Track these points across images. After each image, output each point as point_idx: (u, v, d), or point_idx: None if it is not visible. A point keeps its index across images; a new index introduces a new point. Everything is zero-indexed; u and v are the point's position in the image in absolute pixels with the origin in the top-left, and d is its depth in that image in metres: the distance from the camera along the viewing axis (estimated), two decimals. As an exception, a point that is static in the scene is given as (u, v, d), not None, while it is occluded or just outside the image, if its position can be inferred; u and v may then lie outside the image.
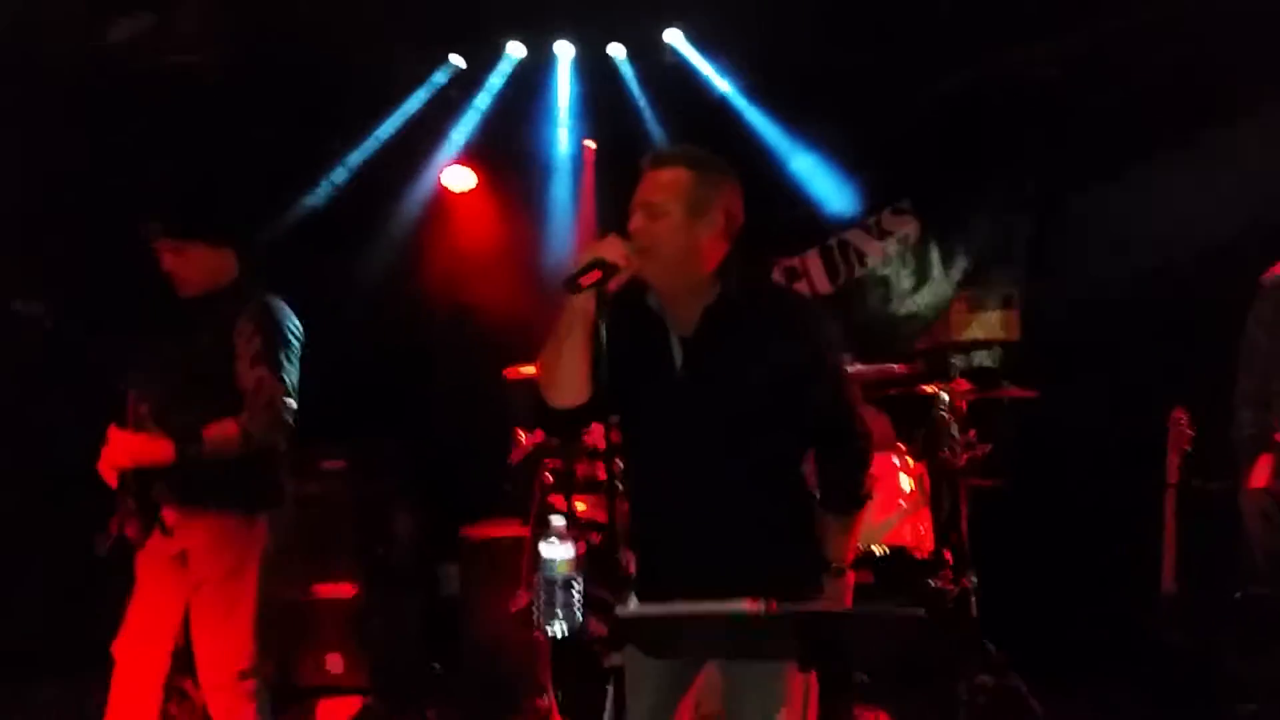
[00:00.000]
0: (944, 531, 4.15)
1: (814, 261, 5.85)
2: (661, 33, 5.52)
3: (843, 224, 5.74)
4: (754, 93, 5.54)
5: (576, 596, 2.17)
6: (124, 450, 3.25)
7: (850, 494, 2.56)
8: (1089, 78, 5.08)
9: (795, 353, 2.47)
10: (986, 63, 5.30)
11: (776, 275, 5.88)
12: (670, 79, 5.52)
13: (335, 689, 4.83)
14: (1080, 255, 5.17)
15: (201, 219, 3.49)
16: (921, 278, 5.64)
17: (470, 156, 5.80)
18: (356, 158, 5.63)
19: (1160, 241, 4.79)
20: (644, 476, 2.57)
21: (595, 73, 5.65)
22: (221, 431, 3.23)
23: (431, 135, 5.73)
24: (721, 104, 5.57)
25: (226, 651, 3.30)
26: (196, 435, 3.23)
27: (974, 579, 4.11)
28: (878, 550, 3.74)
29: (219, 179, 4.96)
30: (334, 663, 4.87)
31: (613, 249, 2.36)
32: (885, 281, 5.71)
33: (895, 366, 4.30)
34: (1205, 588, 3.96)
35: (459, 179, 5.83)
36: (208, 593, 3.30)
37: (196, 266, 3.44)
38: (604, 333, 2.32)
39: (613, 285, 2.36)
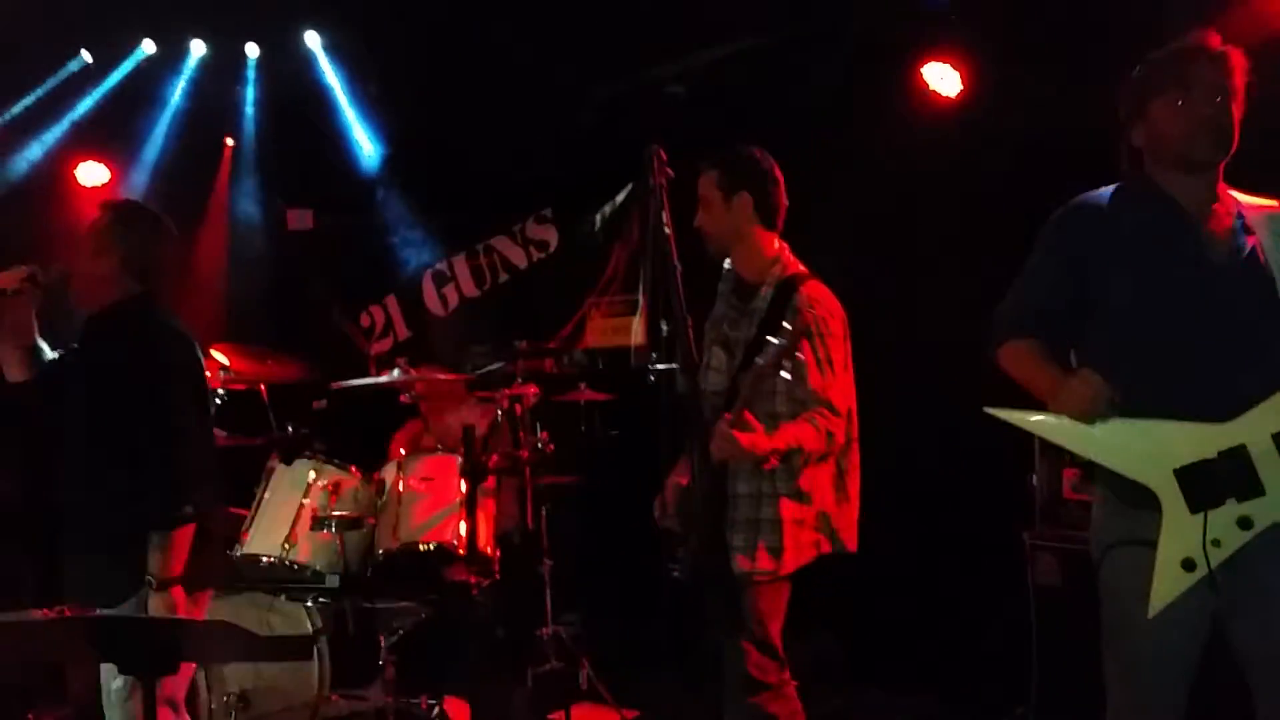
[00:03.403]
0: (519, 526, 4.34)
1: (461, 266, 6.00)
2: (301, 33, 5.55)
3: (489, 231, 5.90)
4: (386, 102, 5.62)
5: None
6: None
7: None
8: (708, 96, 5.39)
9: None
10: (625, 79, 5.55)
11: (427, 279, 6.07)
12: (299, 81, 5.53)
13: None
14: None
15: None
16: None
17: (103, 152, 5.65)
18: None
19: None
20: None
21: (231, 72, 5.61)
22: None
23: (60, 129, 5.54)
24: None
25: None
26: None
27: (548, 566, 4.34)
28: (420, 546, 3.87)
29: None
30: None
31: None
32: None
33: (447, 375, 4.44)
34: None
35: (92, 174, 5.66)
36: None
37: None
38: None
39: None
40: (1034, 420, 2.38)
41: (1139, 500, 2.28)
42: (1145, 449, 2.28)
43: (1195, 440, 2.26)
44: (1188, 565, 2.26)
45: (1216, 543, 2.24)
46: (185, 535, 2.76)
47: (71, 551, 2.89)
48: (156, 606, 2.66)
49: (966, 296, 4.39)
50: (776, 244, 3.14)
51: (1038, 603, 3.61)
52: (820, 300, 3.01)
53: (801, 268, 3.13)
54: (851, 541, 3.10)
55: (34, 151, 5.52)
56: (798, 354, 2.87)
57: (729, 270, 3.18)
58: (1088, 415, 2.30)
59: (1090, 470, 2.44)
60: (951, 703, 4.10)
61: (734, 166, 3.12)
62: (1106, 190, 2.48)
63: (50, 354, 3.06)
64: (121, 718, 2.73)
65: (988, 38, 4.24)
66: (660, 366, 2.72)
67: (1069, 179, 4.03)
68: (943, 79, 4.31)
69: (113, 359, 2.87)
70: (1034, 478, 3.71)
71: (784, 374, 2.79)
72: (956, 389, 4.40)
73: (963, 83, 4.30)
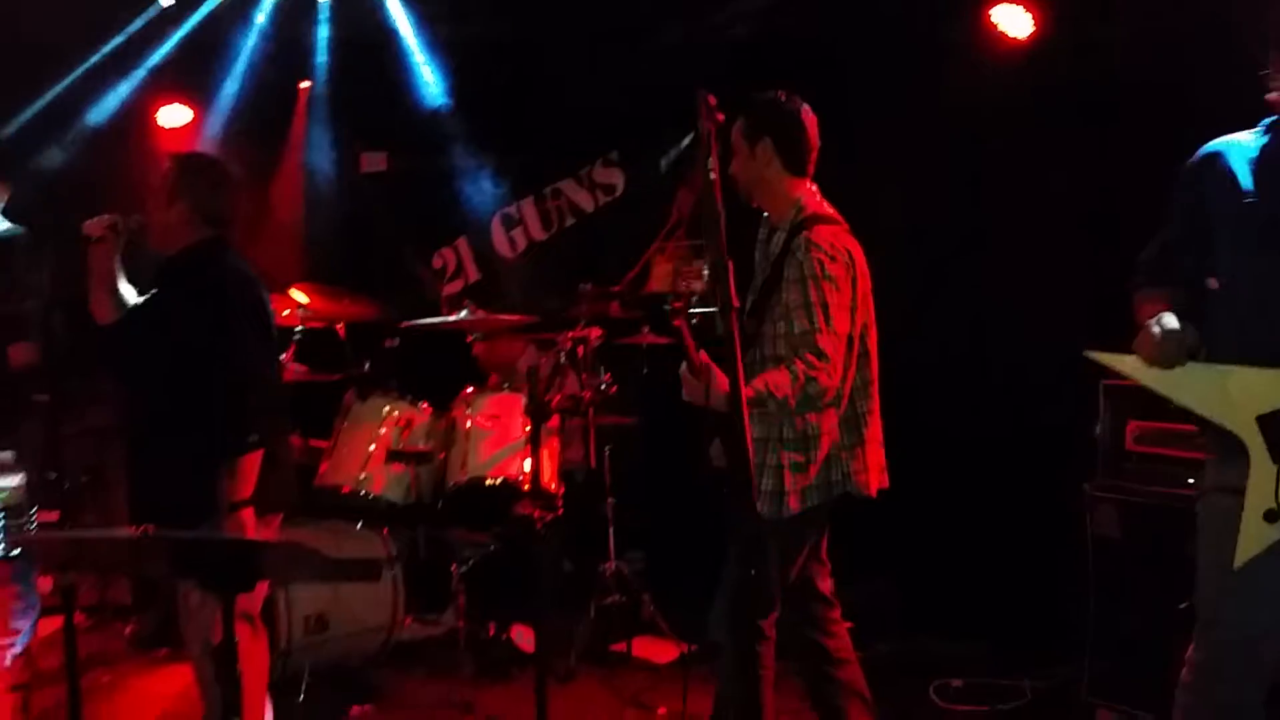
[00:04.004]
0: (583, 465, 4.47)
1: (530, 209, 6.08)
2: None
3: (557, 175, 5.96)
4: (456, 45, 5.67)
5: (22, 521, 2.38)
6: None
7: None
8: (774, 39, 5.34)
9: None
10: (689, 22, 5.52)
11: (496, 222, 6.17)
12: (372, 24, 5.61)
13: None
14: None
15: None
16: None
17: (182, 94, 5.82)
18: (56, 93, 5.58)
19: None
20: None
21: (306, 15, 5.70)
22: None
23: (141, 72, 5.72)
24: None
25: None
26: None
27: (611, 504, 4.48)
28: (488, 480, 4.02)
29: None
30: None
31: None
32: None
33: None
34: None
35: (173, 116, 5.85)
36: None
37: None
38: None
39: None
40: (1127, 363, 2.38)
41: (1230, 447, 2.29)
42: (1229, 394, 2.28)
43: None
44: (1269, 517, 2.26)
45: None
46: (253, 461, 2.93)
47: (151, 477, 3.09)
48: (228, 527, 2.85)
49: (1036, 241, 4.38)
50: (801, 188, 3.12)
51: (1096, 554, 3.61)
52: (820, 243, 2.97)
53: (825, 210, 3.11)
54: (868, 486, 3.08)
55: (117, 95, 5.71)
56: (791, 298, 2.90)
57: (765, 216, 3.21)
58: (1158, 361, 2.30)
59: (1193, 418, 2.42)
60: (1005, 651, 4.14)
61: (756, 113, 3.12)
62: (1243, 134, 2.44)
63: (134, 297, 3.24)
64: (197, 630, 2.94)
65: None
66: (700, 309, 2.77)
67: (1140, 125, 4.02)
68: (1013, 20, 4.22)
69: (185, 299, 3.05)
70: (1098, 428, 3.69)
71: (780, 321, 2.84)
72: (1024, 337, 4.43)
73: (1034, 25, 4.21)
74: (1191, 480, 3.28)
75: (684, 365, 2.84)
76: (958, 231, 4.57)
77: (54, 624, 4.40)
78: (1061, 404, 3.90)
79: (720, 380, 2.79)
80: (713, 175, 2.43)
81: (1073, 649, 3.68)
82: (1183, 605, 2.60)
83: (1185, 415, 2.44)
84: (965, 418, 4.48)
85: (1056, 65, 4.20)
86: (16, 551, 2.44)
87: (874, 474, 3.10)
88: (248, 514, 2.89)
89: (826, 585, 3.25)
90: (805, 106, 3.16)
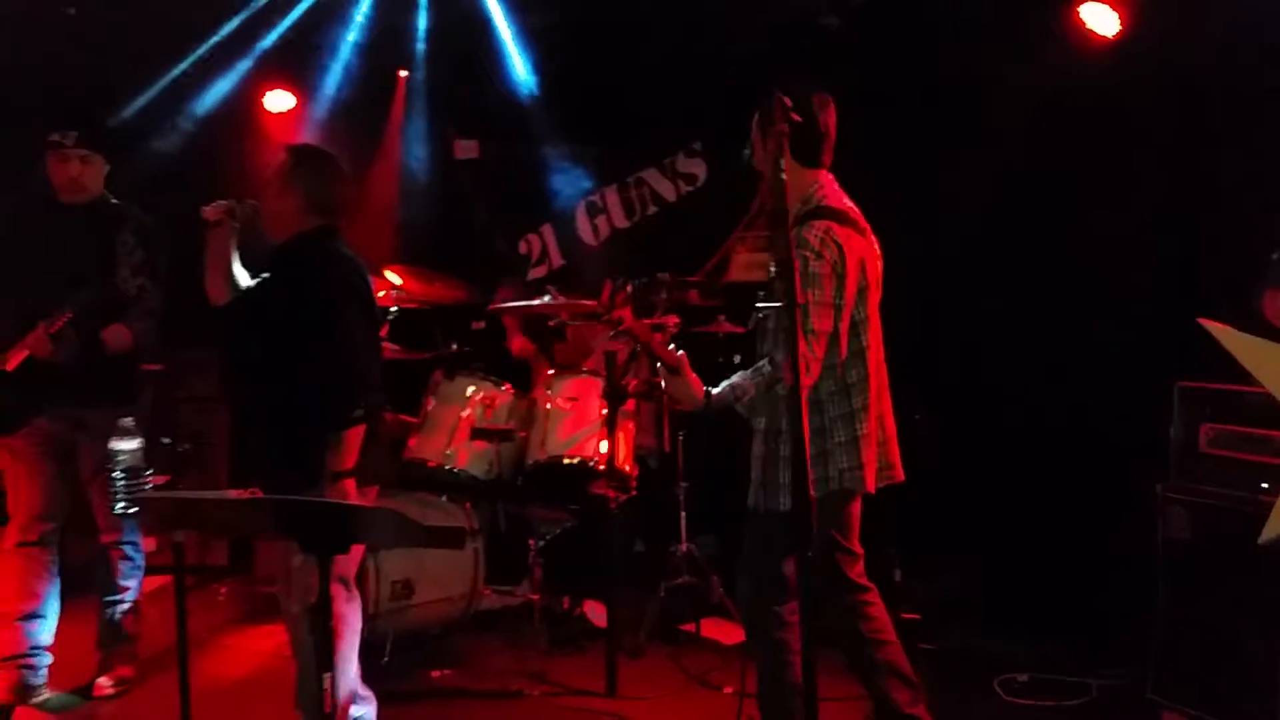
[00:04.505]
0: (657, 449, 4.60)
1: (613, 197, 6.22)
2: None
3: (640, 163, 6.08)
4: (546, 35, 5.82)
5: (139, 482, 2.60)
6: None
7: None
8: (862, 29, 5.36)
9: None
10: (774, 10, 5.58)
11: (581, 210, 6.32)
12: (468, 15, 5.79)
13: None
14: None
15: (107, 132, 4.05)
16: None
17: (288, 81, 6.07)
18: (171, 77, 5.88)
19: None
20: None
21: (405, 5, 5.90)
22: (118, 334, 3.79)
23: (249, 60, 5.98)
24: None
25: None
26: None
27: (684, 488, 4.61)
28: (565, 460, 4.18)
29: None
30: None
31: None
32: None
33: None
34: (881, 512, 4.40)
35: (278, 101, 6.11)
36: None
37: (96, 176, 3.93)
38: None
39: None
40: (1238, 338, 2.43)
41: None
42: None
43: None
44: None
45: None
46: (356, 434, 3.13)
47: (261, 447, 3.32)
48: (333, 495, 3.03)
49: (1118, 240, 4.37)
50: (814, 178, 3.15)
51: (1166, 555, 3.62)
52: (809, 240, 2.98)
53: (838, 202, 3.12)
54: (864, 482, 3.10)
55: (227, 82, 5.98)
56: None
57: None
58: None
59: None
60: (1074, 649, 4.14)
61: (766, 108, 3.10)
62: None
63: (247, 280, 3.45)
64: (300, 591, 3.14)
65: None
66: (767, 305, 2.85)
67: (1223, 124, 3.97)
68: (1101, 18, 4.20)
69: (297, 283, 3.25)
70: (1172, 430, 3.69)
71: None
72: (1102, 335, 4.42)
73: (1121, 23, 4.19)
74: (1265, 485, 3.29)
75: (660, 366, 2.95)
76: (1040, 225, 4.57)
77: (157, 582, 4.74)
78: (1137, 405, 3.89)
79: (695, 383, 2.94)
80: (784, 175, 2.52)
81: (1141, 649, 3.70)
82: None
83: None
84: (1042, 417, 4.49)
85: (1143, 62, 4.18)
86: (134, 510, 2.65)
87: (870, 471, 3.10)
88: (350, 484, 3.10)
89: (856, 571, 3.31)
90: (822, 96, 3.16)
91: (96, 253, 3.86)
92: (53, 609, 3.93)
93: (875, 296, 3.18)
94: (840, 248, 3.01)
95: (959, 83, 4.71)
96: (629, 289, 3.12)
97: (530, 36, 5.96)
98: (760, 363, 2.99)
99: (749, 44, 5.46)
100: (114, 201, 4.04)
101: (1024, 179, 4.57)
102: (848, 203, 3.17)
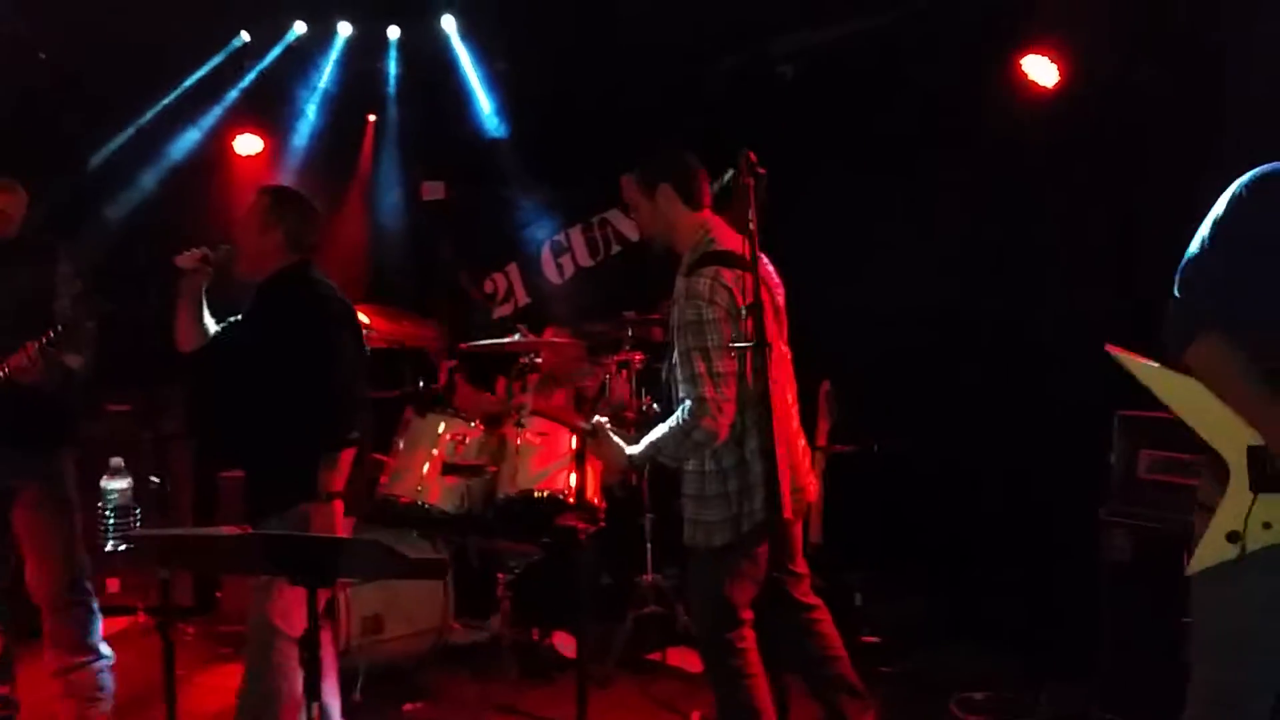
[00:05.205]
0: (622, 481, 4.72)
1: (577, 237, 6.37)
2: (438, 17, 5.97)
3: (604, 204, 6.26)
4: (514, 81, 6.00)
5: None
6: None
7: None
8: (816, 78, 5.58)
9: None
10: (733, 59, 5.79)
11: (546, 249, 6.47)
12: (435, 61, 5.95)
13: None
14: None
15: (30, 163, 3.90)
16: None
17: (257, 125, 6.19)
18: (145, 120, 5.97)
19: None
20: None
21: (374, 52, 6.07)
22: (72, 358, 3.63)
23: (219, 104, 6.10)
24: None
25: (59, 574, 3.76)
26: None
27: (650, 520, 4.74)
28: (536, 493, 4.29)
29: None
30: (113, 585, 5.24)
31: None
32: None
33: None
34: (843, 539, 4.56)
35: (248, 145, 6.23)
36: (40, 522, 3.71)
37: (19, 206, 3.83)
38: None
39: None
40: (1143, 367, 2.48)
41: (1217, 468, 2.44)
42: (1229, 419, 2.40)
43: None
44: (1231, 538, 2.43)
45: (1268, 525, 2.39)
46: (348, 456, 3.23)
47: (254, 473, 3.42)
48: (321, 514, 3.12)
49: (1064, 281, 4.59)
50: (703, 219, 3.30)
51: (1109, 577, 3.79)
52: (700, 289, 3.09)
53: (726, 241, 3.23)
54: (780, 511, 3.00)
55: (200, 126, 6.09)
56: (678, 345, 3.10)
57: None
58: None
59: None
60: (1030, 667, 4.28)
61: (647, 166, 3.33)
62: None
63: (213, 325, 3.53)
64: (253, 609, 3.20)
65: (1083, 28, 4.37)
66: (741, 345, 2.99)
67: (1165, 170, 4.22)
68: (1041, 70, 4.45)
69: (286, 312, 3.35)
70: (1112, 456, 3.88)
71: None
72: (1044, 369, 4.63)
73: (1060, 74, 4.44)
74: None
75: (586, 440, 3.18)
76: (987, 271, 4.79)
77: (118, 624, 4.70)
78: (1080, 433, 4.09)
79: (616, 447, 3.15)
80: (751, 226, 2.69)
81: (1090, 666, 3.86)
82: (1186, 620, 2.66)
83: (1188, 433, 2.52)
84: (989, 444, 4.69)
85: (1082, 110, 4.43)
86: (124, 547, 2.73)
87: (788, 499, 3.11)
88: (339, 505, 3.19)
89: (802, 590, 3.46)
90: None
91: (39, 283, 3.74)
92: None
93: (775, 326, 3.28)
94: (729, 290, 3.13)
95: (905, 133, 4.93)
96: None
97: (496, 81, 6.13)
98: (676, 413, 3.12)
99: (710, 90, 5.69)
100: (40, 235, 3.96)
101: (973, 224, 4.79)
102: (736, 240, 3.22)
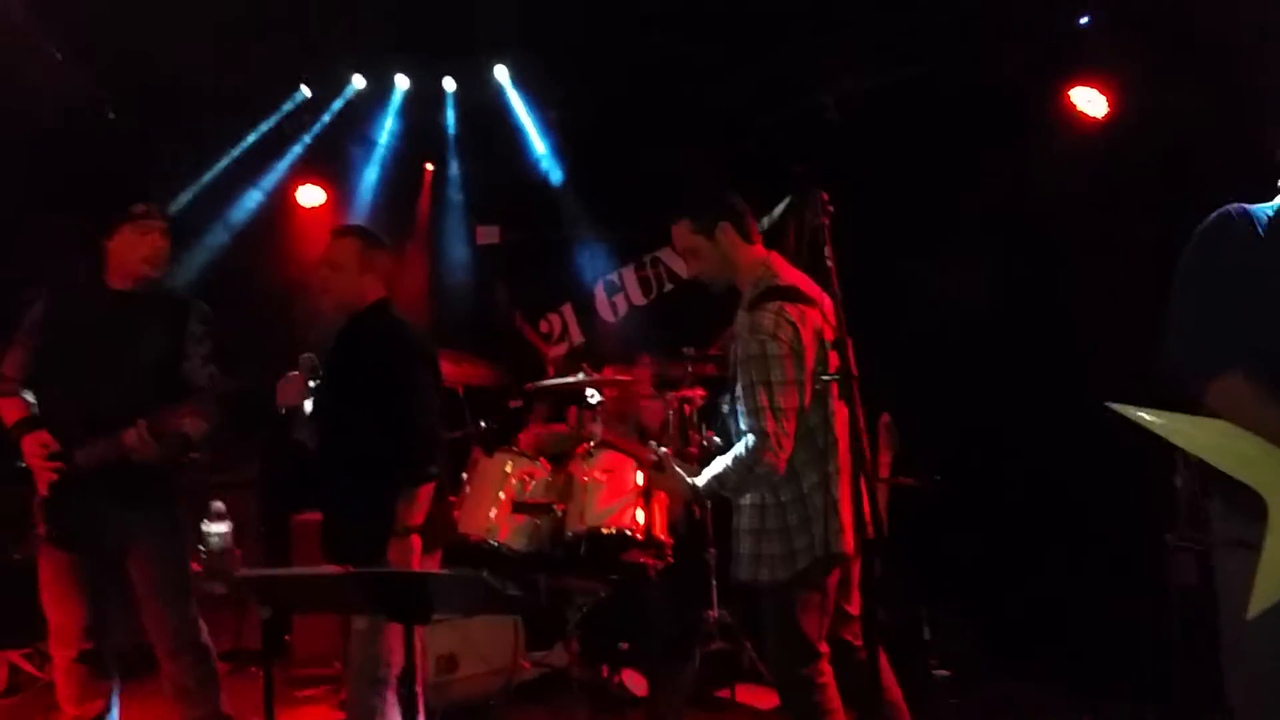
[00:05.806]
0: (686, 517, 4.79)
1: (630, 276, 6.50)
2: (491, 67, 6.16)
3: (656, 244, 6.38)
4: (566, 127, 6.16)
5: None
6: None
7: None
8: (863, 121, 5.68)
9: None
10: (781, 102, 5.91)
11: (599, 289, 6.60)
12: (489, 110, 6.13)
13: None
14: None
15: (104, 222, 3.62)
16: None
17: (319, 176, 6.39)
18: (211, 175, 6.18)
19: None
20: None
21: (431, 103, 6.26)
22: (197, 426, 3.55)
23: (282, 159, 6.30)
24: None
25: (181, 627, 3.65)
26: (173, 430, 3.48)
27: (713, 555, 4.75)
28: (604, 530, 4.37)
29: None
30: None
31: None
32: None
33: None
34: (908, 571, 4.59)
35: (310, 196, 6.42)
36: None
37: (169, 254, 3.67)
38: None
39: None
40: (1152, 419, 2.44)
41: (1234, 502, 2.39)
42: (1263, 452, 2.33)
43: None
44: None
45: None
46: (427, 492, 3.28)
47: (333, 510, 3.48)
48: (399, 549, 3.17)
49: (1114, 308, 4.63)
50: (761, 253, 3.33)
51: (1177, 602, 3.81)
52: (762, 324, 3.11)
53: (785, 276, 3.26)
54: (841, 545, 3.16)
55: (262, 187, 6.29)
56: (742, 379, 3.11)
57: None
58: None
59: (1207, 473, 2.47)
60: (1085, 696, 4.29)
61: (699, 209, 3.34)
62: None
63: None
64: (353, 652, 3.28)
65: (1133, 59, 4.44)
66: (829, 377, 3.04)
67: (1213, 198, 4.26)
68: (1090, 101, 4.52)
69: (372, 348, 3.42)
70: (1177, 480, 3.89)
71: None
72: (1103, 392, 4.64)
73: (1109, 105, 4.51)
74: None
75: (652, 472, 3.18)
76: (1038, 300, 4.84)
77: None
78: (1145, 457, 4.11)
79: (681, 479, 3.20)
80: (829, 263, 2.78)
81: (1153, 694, 3.88)
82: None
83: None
84: (1053, 471, 4.71)
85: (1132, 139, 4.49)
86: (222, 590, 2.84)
87: (849, 533, 3.20)
88: (416, 540, 3.22)
89: (852, 632, 3.39)
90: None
91: (168, 340, 3.59)
92: None
93: (837, 359, 3.25)
94: (794, 326, 3.15)
95: (951, 169, 5.01)
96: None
97: (549, 128, 6.29)
98: (736, 446, 3.14)
99: (758, 132, 5.81)
100: (174, 288, 3.85)
101: (1022, 257, 4.85)
102: (796, 275, 3.30)
